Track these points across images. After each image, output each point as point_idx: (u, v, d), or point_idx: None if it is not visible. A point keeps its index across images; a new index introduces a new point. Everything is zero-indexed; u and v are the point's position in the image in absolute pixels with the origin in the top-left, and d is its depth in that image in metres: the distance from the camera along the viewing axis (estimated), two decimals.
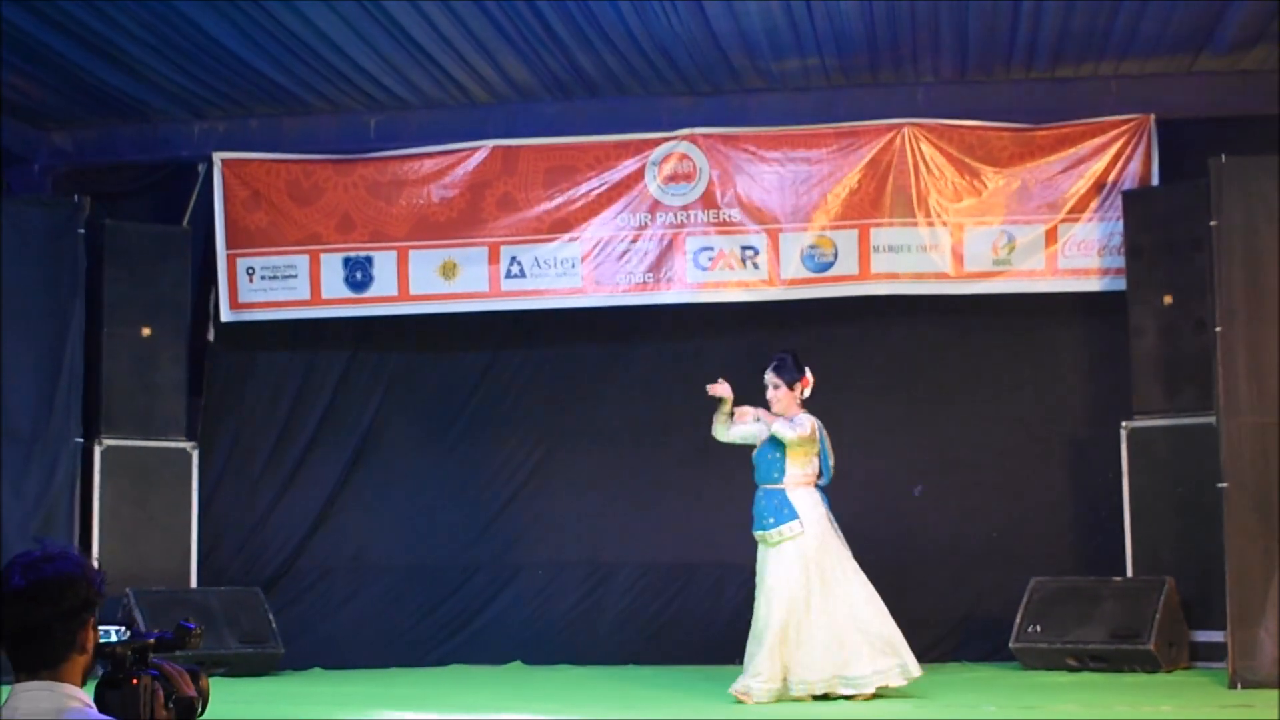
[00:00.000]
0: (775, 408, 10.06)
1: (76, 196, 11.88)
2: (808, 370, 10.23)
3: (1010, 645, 11.31)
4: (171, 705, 4.13)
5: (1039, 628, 11.23)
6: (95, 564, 4.07)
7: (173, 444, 12.30)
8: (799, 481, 9.94)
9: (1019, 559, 12.08)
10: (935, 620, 12.29)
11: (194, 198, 12.94)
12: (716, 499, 12.68)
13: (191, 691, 4.17)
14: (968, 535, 12.43)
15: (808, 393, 10.22)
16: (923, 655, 12.03)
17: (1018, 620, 11.31)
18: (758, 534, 9.97)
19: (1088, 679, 10.73)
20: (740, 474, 12.58)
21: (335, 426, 13.19)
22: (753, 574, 10.11)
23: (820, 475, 10.08)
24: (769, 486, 9.97)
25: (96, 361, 12.08)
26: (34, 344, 11.63)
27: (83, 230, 11.73)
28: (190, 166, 13.03)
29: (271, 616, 11.94)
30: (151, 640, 4.18)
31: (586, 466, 12.92)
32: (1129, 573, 11.52)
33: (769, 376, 10.14)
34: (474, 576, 12.96)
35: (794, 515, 9.80)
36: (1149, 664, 10.83)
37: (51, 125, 13.01)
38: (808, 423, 9.95)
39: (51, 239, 11.70)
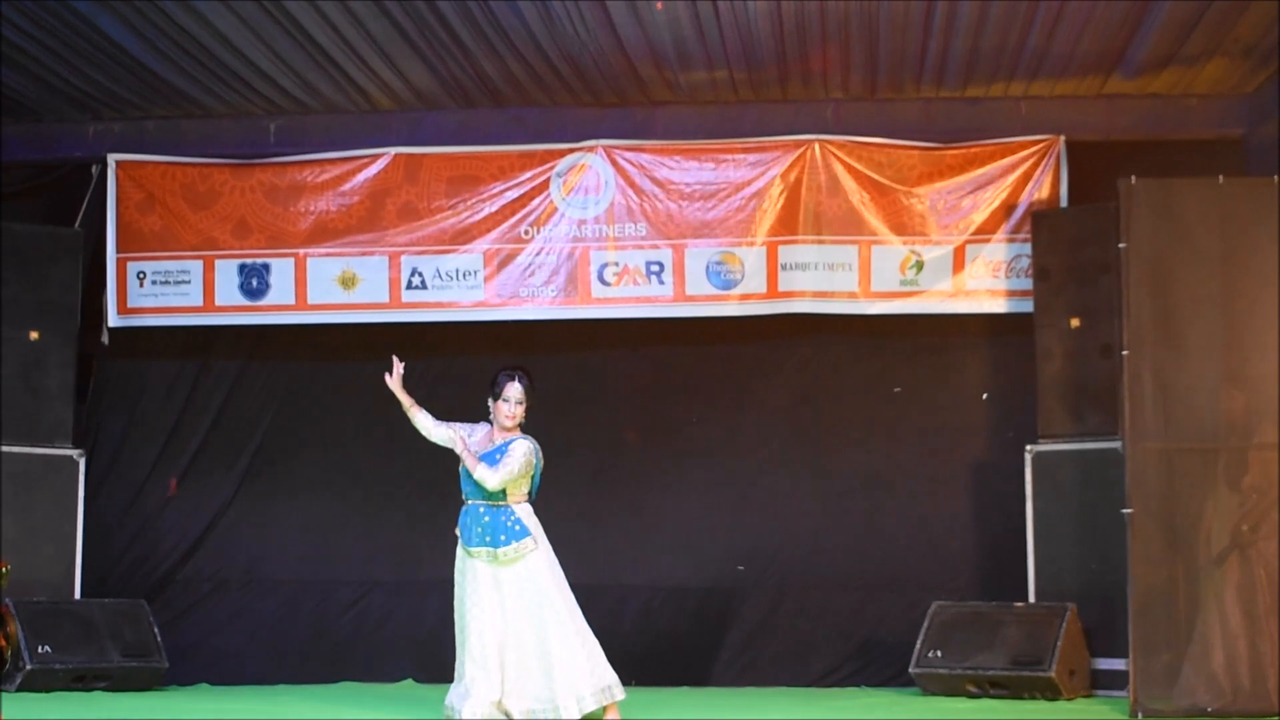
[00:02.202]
0: (508, 424, 9.42)
1: None
2: None
3: (910, 670, 11.17)
4: None
5: (939, 653, 11.10)
6: None
7: (59, 451, 11.98)
8: (519, 499, 9.46)
9: (921, 582, 11.99)
10: (836, 643, 12.22)
11: (87, 199, 12.65)
12: (618, 516, 12.60)
13: None
14: (869, 557, 12.29)
15: None
16: (823, 678, 12.07)
17: (918, 645, 11.17)
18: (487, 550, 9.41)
19: (988, 705, 10.60)
20: (650, 487, 12.55)
21: (227, 435, 12.94)
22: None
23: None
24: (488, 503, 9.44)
25: None
26: None
27: None
28: (85, 168, 12.75)
29: (156, 629, 11.66)
30: None
31: None
32: (1031, 598, 11.40)
33: (518, 390, 9.41)
34: (370, 593, 12.75)
35: (526, 532, 9.42)
36: (1050, 691, 10.71)
37: None
38: (519, 457, 9.31)
39: None
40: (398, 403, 9.55)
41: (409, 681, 12.12)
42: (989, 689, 10.88)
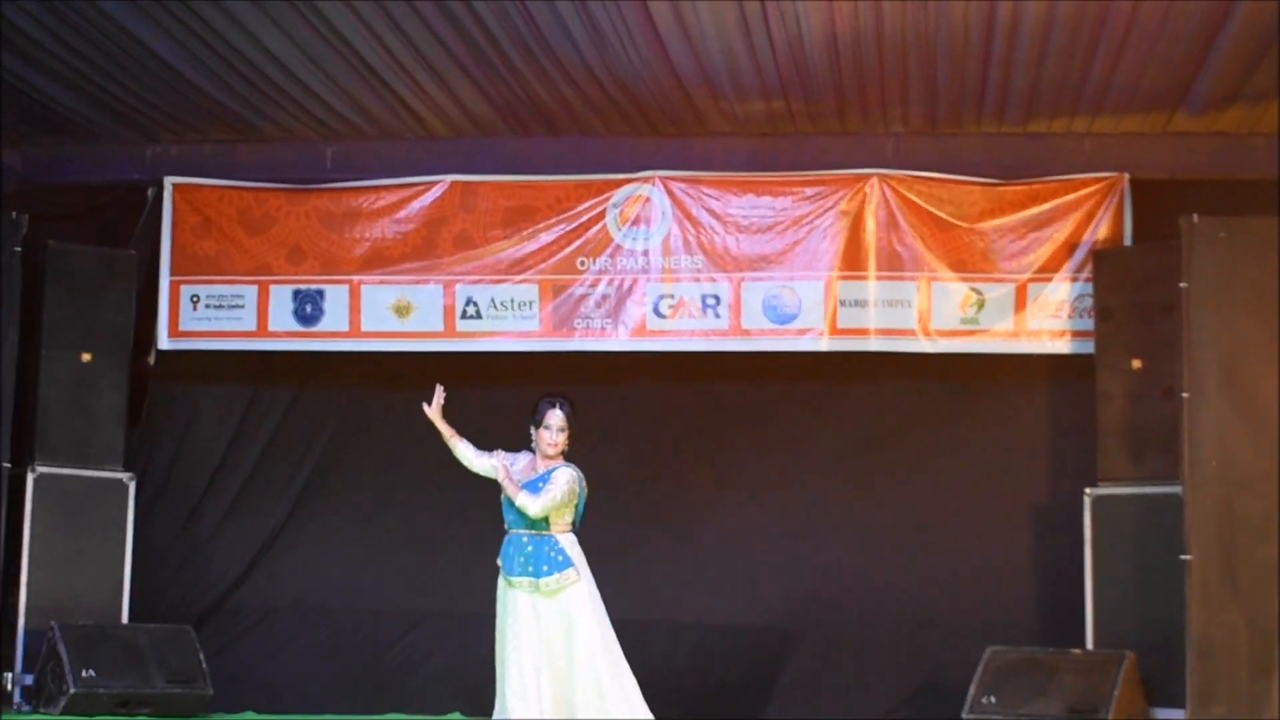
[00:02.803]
0: (550, 452, 9.30)
1: (14, 214, 11.54)
2: None
3: (963, 716, 10.95)
4: None
5: (994, 699, 10.88)
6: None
7: (109, 474, 11.93)
8: (563, 529, 9.33)
9: (977, 626, 11.74)
10: (889, 686, 12.03)
11: (141, 221, 12.65)
12: (681, 550, 12.46)
13: None
14: (925, 599, 12.10)
15: None
16: None
17: (972, 690, 10.96)
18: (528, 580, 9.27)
19: None
20: (705, 523, 12.41)
21: (279, 462, 12.88)
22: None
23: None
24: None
25: (33, 386, 11.75)
26: None
27: (19, 249, 11.37)
28: (140, 190, 12.75)
29: (202, 656, 11.55)
30: None
31: None
32: (1089, 645, 11.18)
33: (559, 417, 9.29)
34: (420, 624, 12.66)
35: (570, 563, 9.29)
36: None
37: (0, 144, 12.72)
38: (562, 485, 9.21)
39: None
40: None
41: (456, 715, 11.99)
42: None
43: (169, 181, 12.58)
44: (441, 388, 9.50)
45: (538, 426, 9.32)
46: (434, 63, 10.99)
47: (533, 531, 9.23)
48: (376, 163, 12.55)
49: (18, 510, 11.51)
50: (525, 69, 11.03)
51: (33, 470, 11.64)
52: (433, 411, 9.45)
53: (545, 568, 9.20)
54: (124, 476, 12.00)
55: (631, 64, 10.84)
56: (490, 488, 9.54)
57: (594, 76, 11.12)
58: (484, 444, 9.51)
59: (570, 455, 9.38)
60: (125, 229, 12.72)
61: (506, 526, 9.37)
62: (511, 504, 9.23)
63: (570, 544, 9.28)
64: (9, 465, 11.22)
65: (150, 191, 12.67)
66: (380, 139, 12.49)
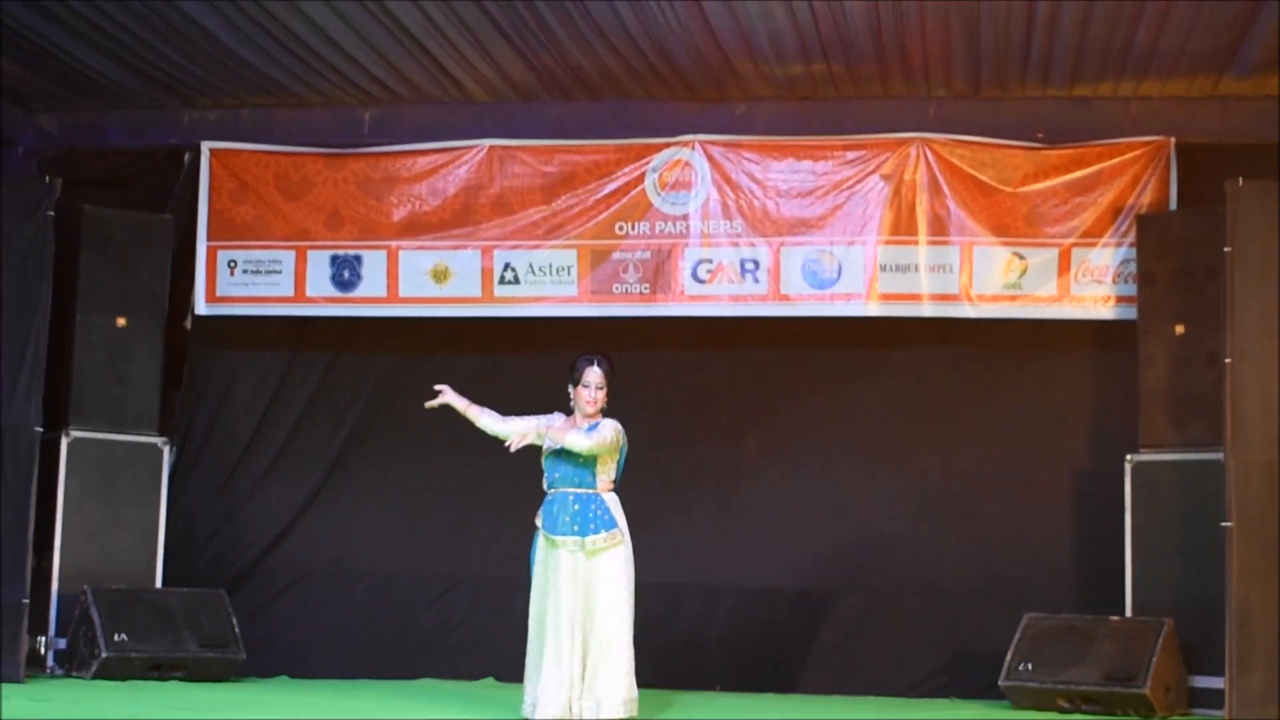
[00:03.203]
0: (589, 410, 9.33)
1: (47, 178, 11.48)
2: None
3: (1000, 683, 10.86)
4: None
5: (1031, 666, 10.78)
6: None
7: (144, 438, 11.93)
8: (607, 486, 9.36)
9: (1015, 593, 11.65)
10: (927, 653, 11.93)
11: (178, 186, 12.64)
12: (719, 515, 12.40)
13: None
14: (964, 566, 12.00)
15: None
16: (913, 688, 11.76)
17: (1009, 657, 10.87)
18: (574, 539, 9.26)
19: None
20: (743, 488, 12.33)
21: (315, 427, 12.86)
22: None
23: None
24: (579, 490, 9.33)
25: (68, 350, 11.74)
26: None
27: (52, 213, 11.30)
28: (177, 155, 12.73)
29: (235, 620, 11.58)
30: None
31: None
32: (1128, 612, 11.06)
33: (598, 374, 9.32)
34: (454, 589, 12.64)
35: (615, 523, 9.30)
36: (1144, 709, 10.37)
37: (38, 109, 12.75)
38: (610, 428, 9.27)
39: (19, 220, 11.26)
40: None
41: (490, 680, 11.95)
42: (1081, 704, 10.55)
43: (206, 146, 12.55)
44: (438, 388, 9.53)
45: (575, 384, 9.34)
46: (472, 27, 10.92)
47: (579, 490, 9.25)
48: (414, 128, 12.48)
49: (51, 475, 11.49)
50: (563, 33, 10.96)
51: (67, 434, 11.63)
52: (443, 397, 9.46)
53: (592, 526, 9.19)
54: (159, 441, 11.99)
55: (670, 27, 10.75)
56: (527, 452, 9.51)
57: (632, 40, 11.03)
58: (520, 408, 9.47)
59: (607, 413, 9.35)
60: (162, 194, 12.70)
61: (548, 487, 9.37)
62: (557, 462, 9.23)
63: (615, 504, 9.31)
64: (42, 430, 11.14)
65: (187, 157, 12.66)
66: (418, 104, 12.42)
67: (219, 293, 12.50)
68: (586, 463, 9.29)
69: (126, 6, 10.66)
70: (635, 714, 9.23)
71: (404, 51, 11.38)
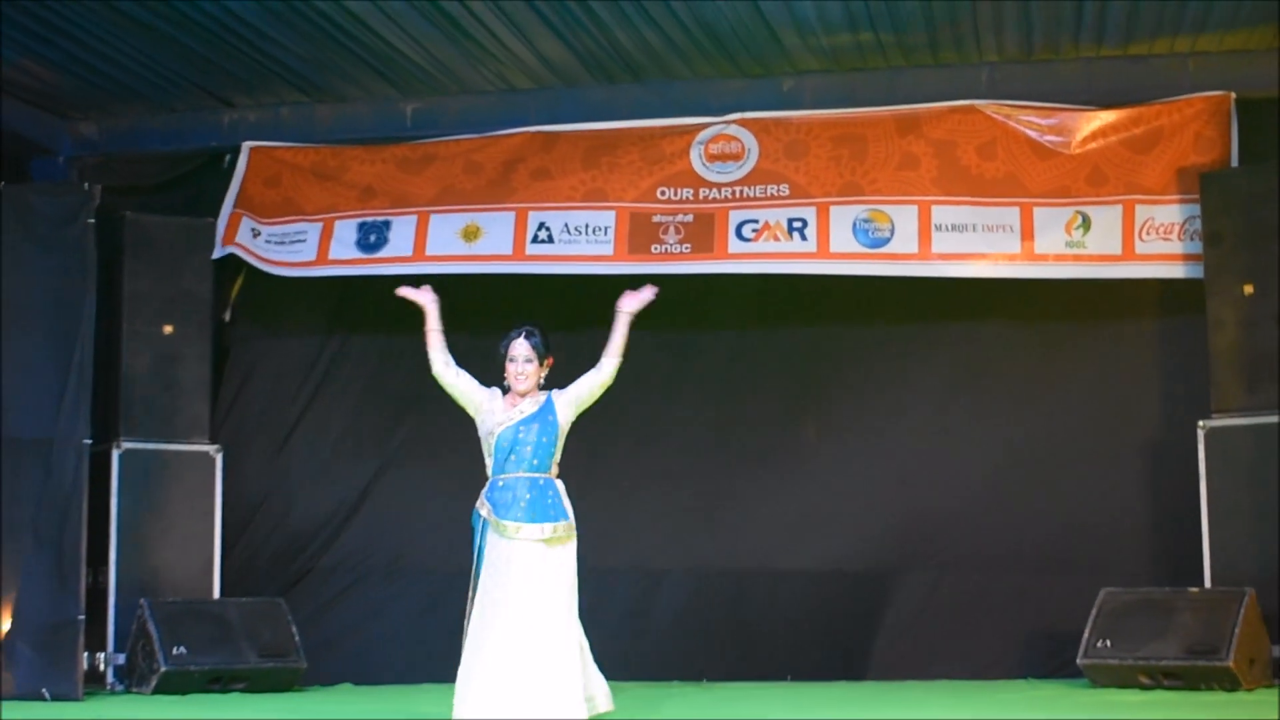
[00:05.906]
0: (519, 385, 8.50)
1: (87, 185, 11.34)
2: None
3: (1078, 661, 10.62)
4: None
5: (1109, 642, 10.54)
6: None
7: (195, 447, 11.79)
8: (556, 470, 8.61)
9: (1089, 567, 11.42)
10: (998, 632, 11.72)
11: (225, 188, 12.48)
12: (778, 497, 12.20)
13: None
14: (1034, 541, 11.77)
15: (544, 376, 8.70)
16: (986, 671, 11.52)
17: (1086, 634, 10.62)
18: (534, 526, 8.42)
19: (1161, 697, 10.02)
20: (802, 469, 12.11)
21: (369, 418, 12.74)
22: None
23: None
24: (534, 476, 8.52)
25: (115, 360, 11.62)
26: (42, 340, 11.04)
27: (93, 220, 11.13)
28: (218, 158, 12.65)
29: (294, 629, 11.39)
30: None
31: (635, 467, 12.39)
32: (1207, 583, 10.80)
33: (522, 346, 8.45)
34: None
35: (568, 515, 8.50)
36: (1228, 682, 10.11)
37: (77, 115, 12.70)
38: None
39: (58, 229, 11.12)
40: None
41: None
42: (1162, 680, 10.30)
43: (246, 146, 12.46)
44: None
45: (503, 359, 8.55)
46: (513, 13, 10.82)
47: (534, 475, 8.45)
48: (457, 119, 12.35)
49: (104, 488, 11.36)
50: (605, 14, 10.83)
51: (118, 446, 11.52)
52: (420, 299, 8.64)
53: (551, 513, 8.41)
54: (210, 449, 11.84)
55: (714, 1, 10.57)
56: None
57: (676, 18, 10.89)
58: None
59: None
60: (202, 198, 12.60)
61: (496, 471, 8.51)
62: (512, 443, 8.43)
63: (564, 492, 8.53)
64: (91, 442, 10.98)
65: (228, 159, 12.55)
66: (461, 94, 12.30)
67: (238, 239, 12.25)
68: (546, 444, 8.51)
69: (169, 6, 10.58)
70: (609, 708, 8.65)
71: (447, 41, 11.28)
